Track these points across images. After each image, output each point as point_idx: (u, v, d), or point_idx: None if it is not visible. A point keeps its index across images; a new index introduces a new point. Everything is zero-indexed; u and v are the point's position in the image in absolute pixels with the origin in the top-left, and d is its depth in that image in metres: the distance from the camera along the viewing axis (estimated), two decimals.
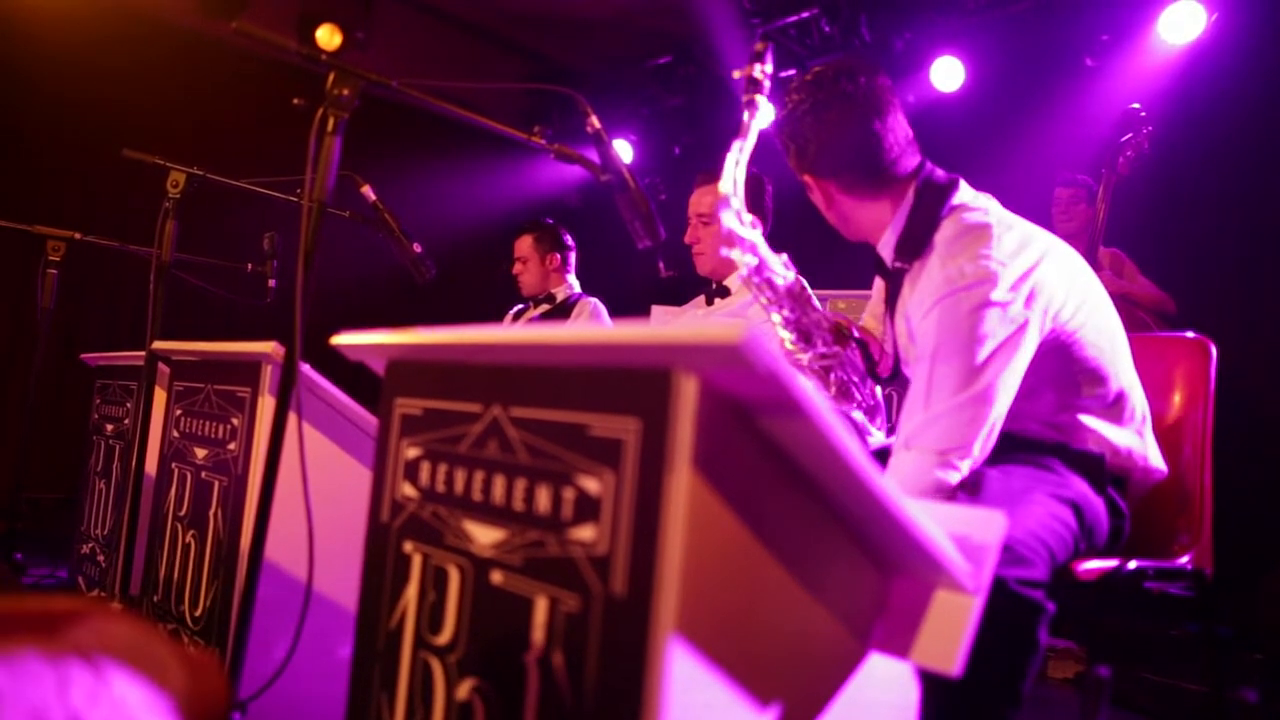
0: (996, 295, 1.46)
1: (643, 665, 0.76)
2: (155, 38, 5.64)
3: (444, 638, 0.99)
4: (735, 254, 1.52)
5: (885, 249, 1.68)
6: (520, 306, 3.87)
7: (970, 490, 1.47)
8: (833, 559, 0.92)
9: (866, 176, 1.64)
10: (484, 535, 0.96)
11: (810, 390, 0.74)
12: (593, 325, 3.55)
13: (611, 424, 0.83)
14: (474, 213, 7.00)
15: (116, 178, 4.68)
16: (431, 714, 0.99)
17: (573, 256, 3.83)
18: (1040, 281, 1.51)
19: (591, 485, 0.84)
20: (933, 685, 1.07)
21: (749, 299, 2.41)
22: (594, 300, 3.67)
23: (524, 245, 3.78)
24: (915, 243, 1.61)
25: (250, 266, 3.15)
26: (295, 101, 1.65)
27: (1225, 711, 1.58)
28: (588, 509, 0.84)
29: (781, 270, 1.60)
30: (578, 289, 3.79)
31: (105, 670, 0.57)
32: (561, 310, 3.67)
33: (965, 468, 1.46)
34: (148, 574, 1.97)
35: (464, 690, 0.95)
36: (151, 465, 2.11)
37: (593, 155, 1.66)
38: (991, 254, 1.50)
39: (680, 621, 0.76)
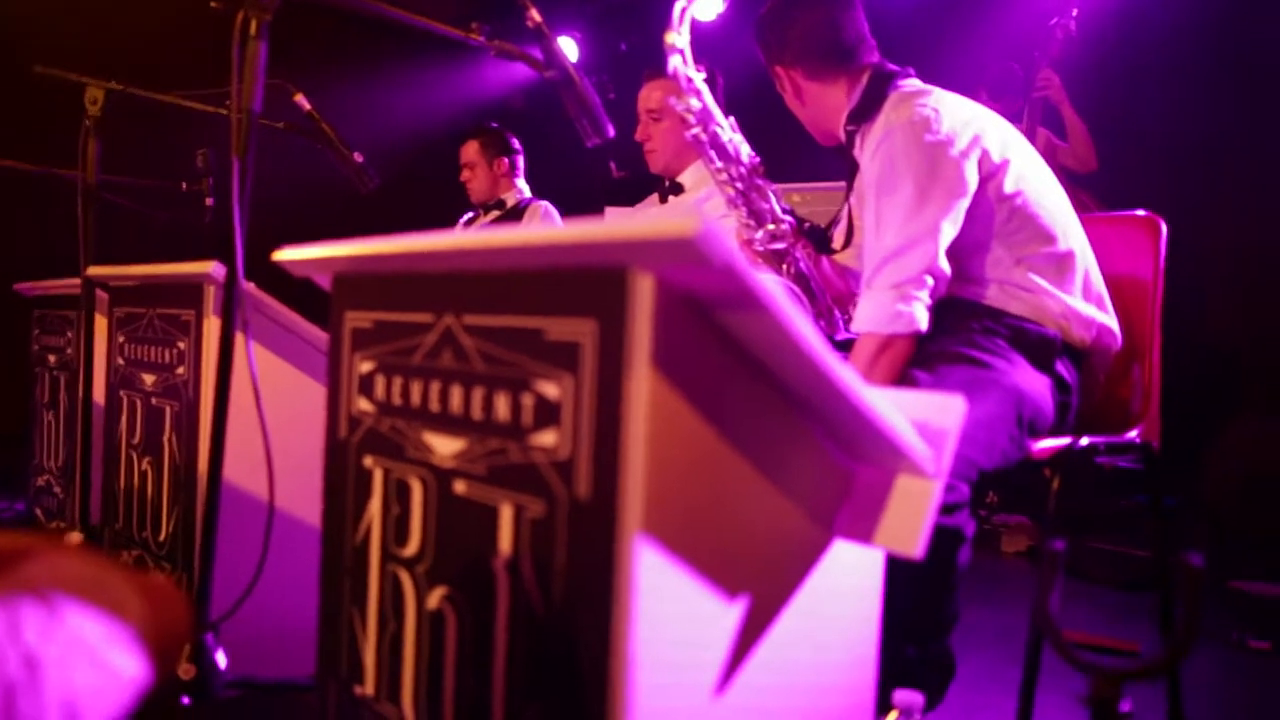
0: (934, 133, 1.55)
1: (610, 566, 0.76)
2: None
3: (410, 549, 0.99)
4: (680, 102, 1.52)
5: (843, 130, 1.70)
6: (470, 214, 3.78)
7: None
8: (796, 450, 0.92)
9: (828, 59, 1.70)
10: (444, 446, 0.95)
11: (768, 282, 0.73)
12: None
13: (568, 327, 0.81)
14: (415, 119, 6.76)
15: (31, 97, 4.42)
16: (403, 625, 0.99)
17: (521, 160, 3.73)
18: (980, 131, 1.59)
19: (550, 390, 0.83)
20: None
21: (703, 194, 2.37)
22: (545, 203, 3.60)
23: (470, 151, 3.68)
24: (865, 109, 1.71)
25: (185, 185, 3.02)
26: (212, 4, 1.55)
27: (1171, 575, 1.66)
28: (548, 414, 0.83)
29: (728, 127, 1.62)
30: (528, 193, 3.71)
31: (59, 605, 0.55)
32: (513, 215, 3.60)
33: (925, 298, 1.52)
34: (106, 503, 1.94)
35: (434, 599, 0.95)
36: (99, 394, 2.06)
37: (535, 53, 1.60)
38: (929, 102, 1.60)
39: (646, 521, 0.75)
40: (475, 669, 0.89)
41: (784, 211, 1.68)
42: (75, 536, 2.01)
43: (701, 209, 2.34)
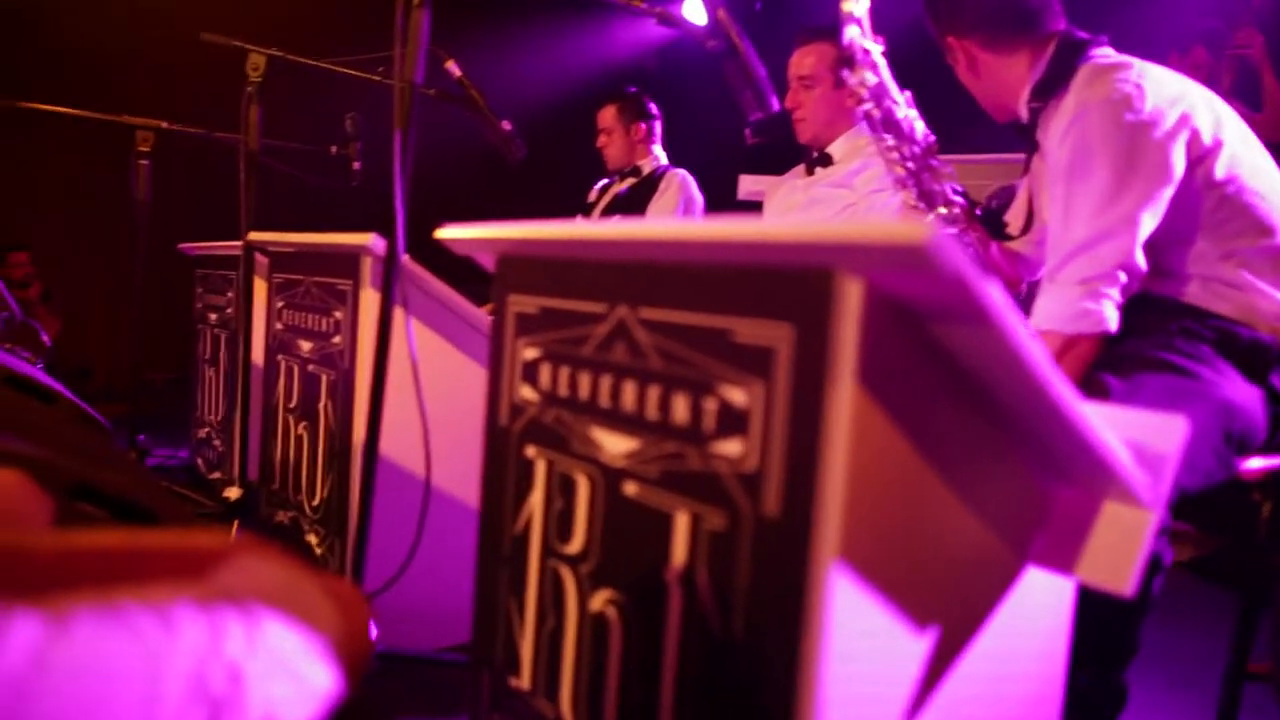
0: (1136, 111, 1.40)
1: (801, 591, 0.70)
2: None
3: (574, 547, 0.96)
4: (854, 75, 1.41)
5: (1024, 106, 1.56)
6: (605, 181, 3.75)
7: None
8: (995, 470, 0.84)
9: (1008, 25, 1.55)
10: (614, 444, 0.91)
11: (997, 294, 0.65)
12: (689, 205, 3.42)
13: (759, 330, 0.75)
14: (547, 84, 6.76)
15: (197, 63, 4.61)
16: (564, 622, 0.97)
17: (658, 126, 3.66)
18: (1190, 109, 1.43)
19: (737, 396, 0.77)
20: None
21: (856, 166, 2.25)
22: (681, 172, 3.53)
23: (607, 116, 3.63)
24: (1051, 83, 1.55)
25: (334, 149, 3.08)
26: None
27: None
28: (733, 421, 0.77)
29: (903, 102, 1.50)
30: (664, 160, 3.64)
31: (258, 615, 0.54)
32: (648, 183, 3.54)
33: (1116, 295, 1.39)
34: (264, 463, 2.01)
35: (598, 601, 0.92)
36: (258, 355, 2.13)
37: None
38: (1130, 77, 1.43)
39: (842, 545, 0.69)
40: (642, 680, 0.86)
41: (955, 193, 1.57)
42: (234, 491, 2.10)
43: (854, 184, 2.23)
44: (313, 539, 1.75)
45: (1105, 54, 1.53)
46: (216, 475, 2.69)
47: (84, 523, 1.33)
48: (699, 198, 3.49)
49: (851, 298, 0.68)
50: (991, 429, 0.82)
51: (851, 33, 1.36)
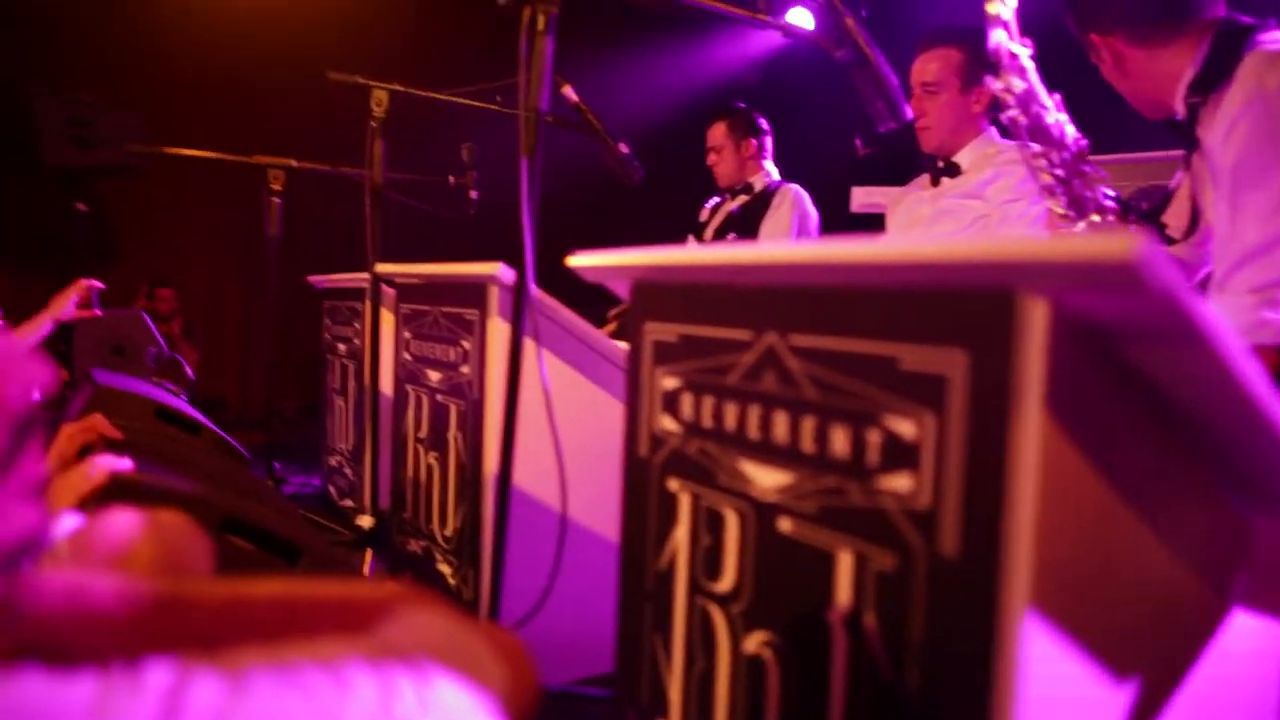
0: None
1: (989, 639, 0.65)
2: None
3: (724, 585, 0.92)
4: (999, 81, 1.33)
5: (1181, 101, 1.45)
6: (716, 199, 3.71)
7: None
8: (1193, 502, 0.76)
9: (1159, 17, 1.43)
10: (766, 477, 0.87)
11: (1210, 313, 0.58)
12: (803, 220, 3.35)
13: (928, 356, 0.70)
14: (649, 104, 6.78)
15: (323, 102, 4.81)
16: (715, 665, 0.93)
17: (769, 141, 3.61)
18: None
19: (905, 428, 0.72)
20: None
21: (987, 176, 2.15)
22: (795, 187, 3.46)
23: (717, 134, 3.59)
24: (1211, 76, 1.42)
25: (452, 179, 3.15)
26: (500, 2, 1.55)
27: None
28: (901, 455, 0.72)
29: (1053, 107, 1.40)
30: (776, 176, 3.58)
31: (428, 673, 0.52)
32: (761, 200, 3.49)
33: None
34: (395, 492, 2.05)
35: (753, 644, 0.88)
36: (386, 385, 2.18)
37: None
38: None
39: (1035, 591, 0.63)
40: None
41: (1108, 198, 1.47)
42: (366, 520, 2.15)
43: (986, 194, 2.13)
44: (446, 569, 1.76)
45: (1276, 38, 1.41)
46: (348, 503, 2.76)
47: (234, 556, 1.37)
48: (814, 213, 3.42)
49: (1036, 320, 0.63)
50: (1189, 457, 0.74)
51: (998, 37, 1.29)
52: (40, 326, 2.84)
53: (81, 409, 1.90)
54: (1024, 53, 1.31)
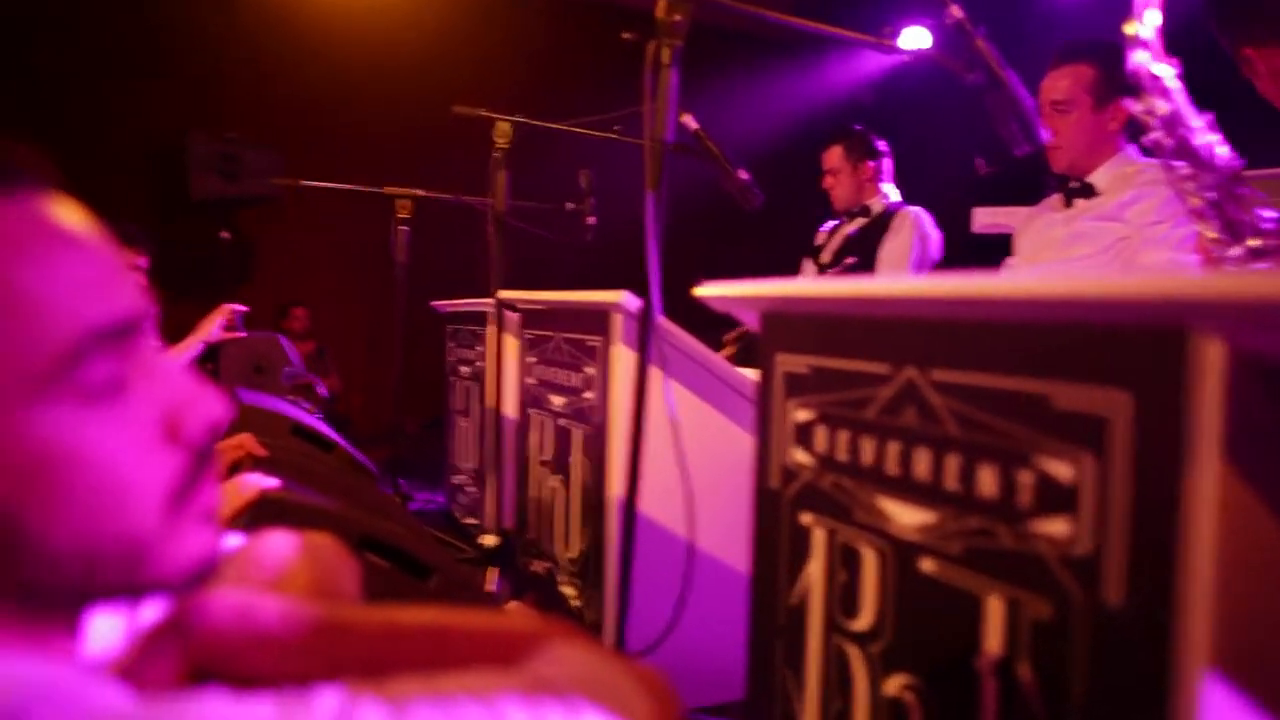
0: None
1: (1162, 697, 0.61)
2: None
3: (861, 624, 0.90)
4: (1141, 103, 1.25)
5: None
6: (833, 222, 3.66)
7: None
8: None
9: None
10: (906, 515, 0.84)
11: None
12: (924, 242, 3.28)
13: (1086, 396, 0.67)
14: (762, 129, 6.76)
15: (447, 133, 4.99)
16: (851, 706, 0.90)
17: (887, 163, 3.54)
18: None
19: (1061, 470, 0.69)
20: None
21: (1127, 198, 2.05)
22: (915, 209, 3.38)
23: (834, 157, 3.55)
24: None
25: (569, 206, 3.20)
26: (625, 36, 1.58)
27: None
28: (1056, 498, 0.69)
29: (1203, 128, 1.32)
30: (895, 198, 3.51)
31: (579, 708, 0.52)
32: (879, 223, 3.43)
33: None
34: (519, 513, 2.09)
35: (893, 686, 0.86)
36: (509, 408, 2.23)
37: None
38: None
39: (1213, 645, 0.59)
40: None
41: (1266, 221, 1.37)
42: (491, 539, 2.20)
43: (1126, 216, 2.03)
44: (569, 591, 1.78)
45: None
46: (471, 520, 2.83)
47: (370, 573, 1.42)
48: (935, 234, 3.33)
49: (1212, 361, 0.59)
50: None
51: (1139, 58, 1.23)
52: (190, 348, 3.03)
53: (228, 427, 2.01)
54: (1168, 73, 1.24)
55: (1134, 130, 2.31)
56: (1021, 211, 2.63)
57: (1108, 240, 2.03)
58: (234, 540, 0.78)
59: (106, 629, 0.64)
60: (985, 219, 4.55)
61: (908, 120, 5.75)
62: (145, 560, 0.51)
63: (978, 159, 4.73)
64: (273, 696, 0.46)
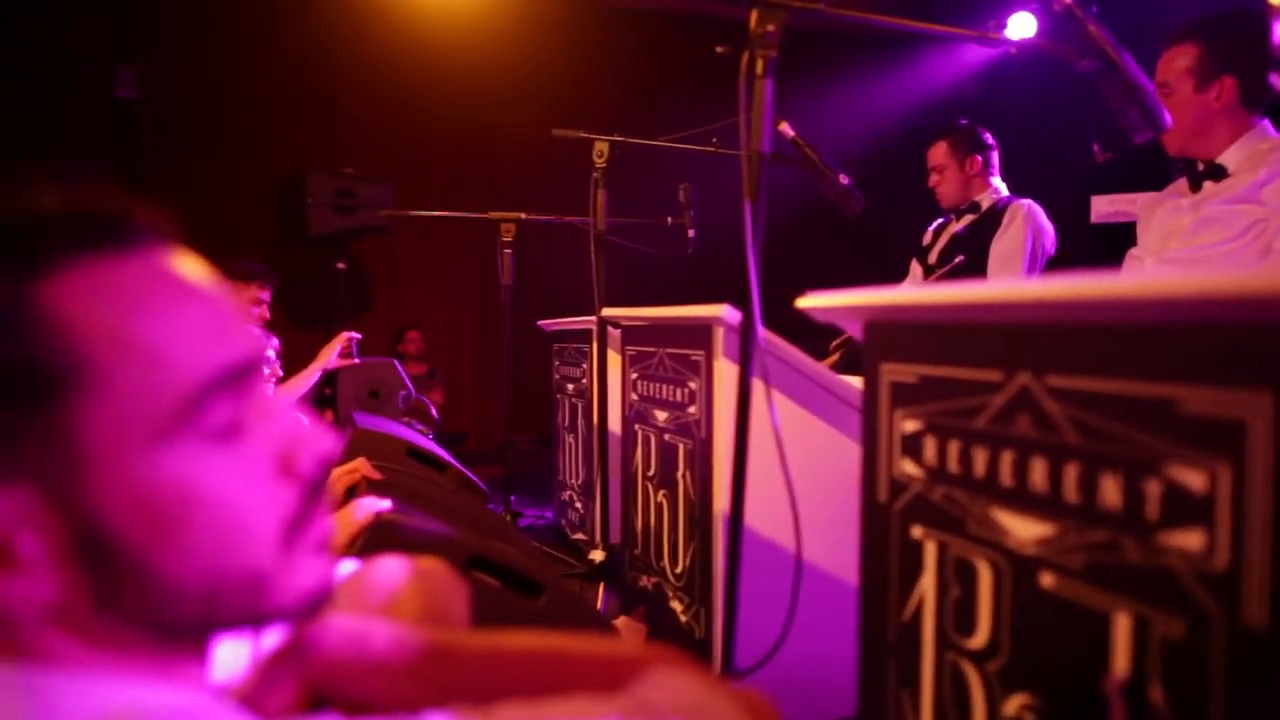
0: None
1: None
2: (563, 18, 6.06)
3: (978, 641, 0.86)
4: None
5: None
6: (940, 220, 3.55)
7: None
8: None
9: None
10: (1023, 528, 0.80)
11: None
12: (1038, 235, 3.15)
13: (1220, 399, 0.62)
14: (866, 127, 6.63)
15: (548, 155, 5.10)
16: None
17: (995, 156, 3.42)
18: None
19: (1192, 479, 0.64)
20: None
21: (1261, 177, 1.91)
22: (1027, 202, 3.25)
23: (938, 153, 3.45)
24: None
25: (670, 220, 3.21)
26: (718, 49, 1.58)
27: None
28: (1188, 509, 0.65)
29: None
30: (1005, 192, 3.38)
31: None
32: (990, 218, 3.30)
33: None
34: (626, 529, 2.10)
35: (1013, 706, 0.81)
36: (614, 424, 2.24)
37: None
38: None
39: None
40: None
41: None
42: (598, 555, 2.22)
43: (1260, 196, 1.89)
44: (677, 606, 1.77)
45: None
46: (579, 536, 2.86)
47: (481, 592, 1.45)
48: (1049, 227, 3.20)
49: None
50: None
51: None
52: (310, 375, 3.17)
53: (345, 450, 2.09)
54: None
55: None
56: (1144, 198, 2.49)
57: (1242, 224, 1.90)
58: (348, 566, 0.81)
59: (231, 656, 0.67)
60: (1105, 207, 4.35)
61: (1014, 110, 5.54)
62: (265, 591, 0.54)
63: (1094, 144, 4.49)
64: (383, 715, 0.47)
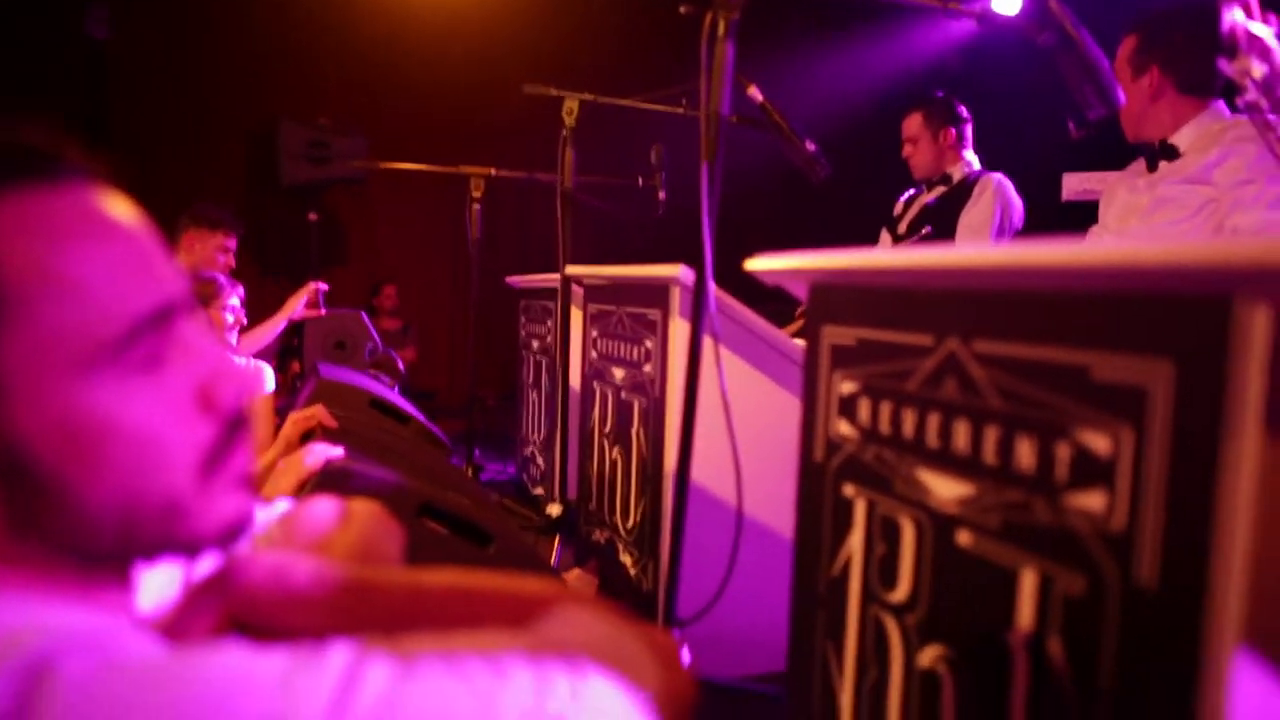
0: None
1: (1190, 679, 0.59)
2: None
3: (899, 595, 0.89)
4: (1234, 65, 1.18)
5: None
6: (911, 191, 3.57)
7: None
8: None
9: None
10: (944, 488, 0.83)
11: None
12: (1006, 209, 3.18)
13: (1125, 366, 0.64)
14: (845, 97, 6.60)
15: (518, 112, 5.04)
16: (888, 676, 0.90)
17: (969, 130, 3.43)
18: None
19: (1098, 443, 0.67)
20: None
21: (1213, 158, 1.94)
22: (997, 176, 3.27)
23: (913, 124, 3.45)
24: None
25: (640, 181, 3.20)
26: (681, 9, 1.57)
27: None
28: (1092, 471, 0.67)
29: None
30: (977, 165, 3.40)
31: (584, 669, 0.53)
32: (960, 191, 3.32)
33: None
34: (582, 483, 2.12)
35: (927, 658, 0.85)
36: (575, 381, 2.26)
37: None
38: None
39: (1248, 629, 0.57)
40: None
41: None
42: (555, 509, 2.24)
43: (1212, 178, 1.92)
44: (627, 559, 1.80)
45: None
46: (539, 491, 2.89)
47: (430, 540, 1.46)
48: (1018, 202, 3.22)
49: (1258, 329, 0.56)
50: None
51: (1234, 16, 1.16)
52: (275, 325, 3.15)
53: (307, 399, 2.09)
54: (1267, 33, 1.17)
55: (1233, 96, 2.20)
56: (1111, 177, 2.53)
57: (1195, 204, 1.93)
58: (282, 506, 0.82)
59: (161, 586, 0.68)
60: (1076, 185, 4.38)
61: (997, 85, 5.55)
62: (181, 519, 0.55)
63: (1069, 122, 4.52)
64: (286, 651, 0.48)
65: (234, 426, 0.57)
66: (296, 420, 1.70)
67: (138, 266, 0.53)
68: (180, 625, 0.61)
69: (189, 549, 0.57)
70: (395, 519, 0.84)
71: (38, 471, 0.50)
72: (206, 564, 0.69)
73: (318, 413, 1.73)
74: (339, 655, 0.48)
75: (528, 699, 0.50)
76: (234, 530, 0.57)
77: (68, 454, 0.50)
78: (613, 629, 0.59)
